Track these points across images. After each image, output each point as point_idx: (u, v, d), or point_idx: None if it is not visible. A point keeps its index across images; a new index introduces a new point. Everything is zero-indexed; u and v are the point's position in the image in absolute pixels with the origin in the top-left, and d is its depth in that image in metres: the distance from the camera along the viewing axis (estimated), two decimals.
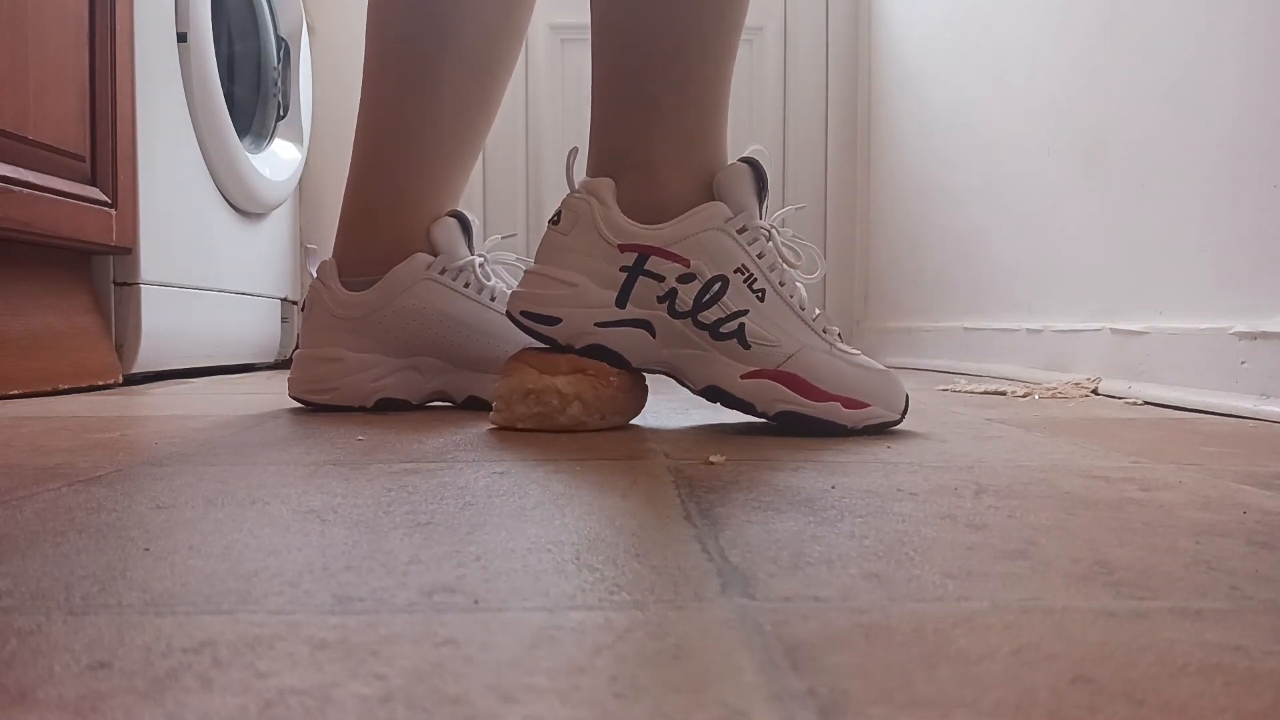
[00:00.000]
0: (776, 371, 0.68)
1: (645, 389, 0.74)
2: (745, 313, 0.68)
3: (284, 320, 1.77)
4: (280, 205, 1.70)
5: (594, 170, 0.74)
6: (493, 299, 0.86)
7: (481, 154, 0.92)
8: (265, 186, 1.58)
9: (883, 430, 0.69)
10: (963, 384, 1.22)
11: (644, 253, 0.70)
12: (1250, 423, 0.80)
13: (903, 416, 0.70)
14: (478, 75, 0.89)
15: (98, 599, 0.28)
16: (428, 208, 0.88)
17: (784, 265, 0.70)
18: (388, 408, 0.86)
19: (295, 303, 1.84)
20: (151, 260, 1.27)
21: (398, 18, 0.87)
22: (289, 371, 0.83)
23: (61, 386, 1.08)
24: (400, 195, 0.87)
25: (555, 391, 0.68)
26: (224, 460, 0.55)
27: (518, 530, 0.37)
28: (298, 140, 1.73)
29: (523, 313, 0.72)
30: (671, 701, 0.21)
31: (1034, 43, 1.34)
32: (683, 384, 0.72)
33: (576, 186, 0.73)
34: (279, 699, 0.21)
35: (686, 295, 0.69)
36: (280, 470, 0.51)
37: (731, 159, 0.72)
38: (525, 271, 0.74)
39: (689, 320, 0.69)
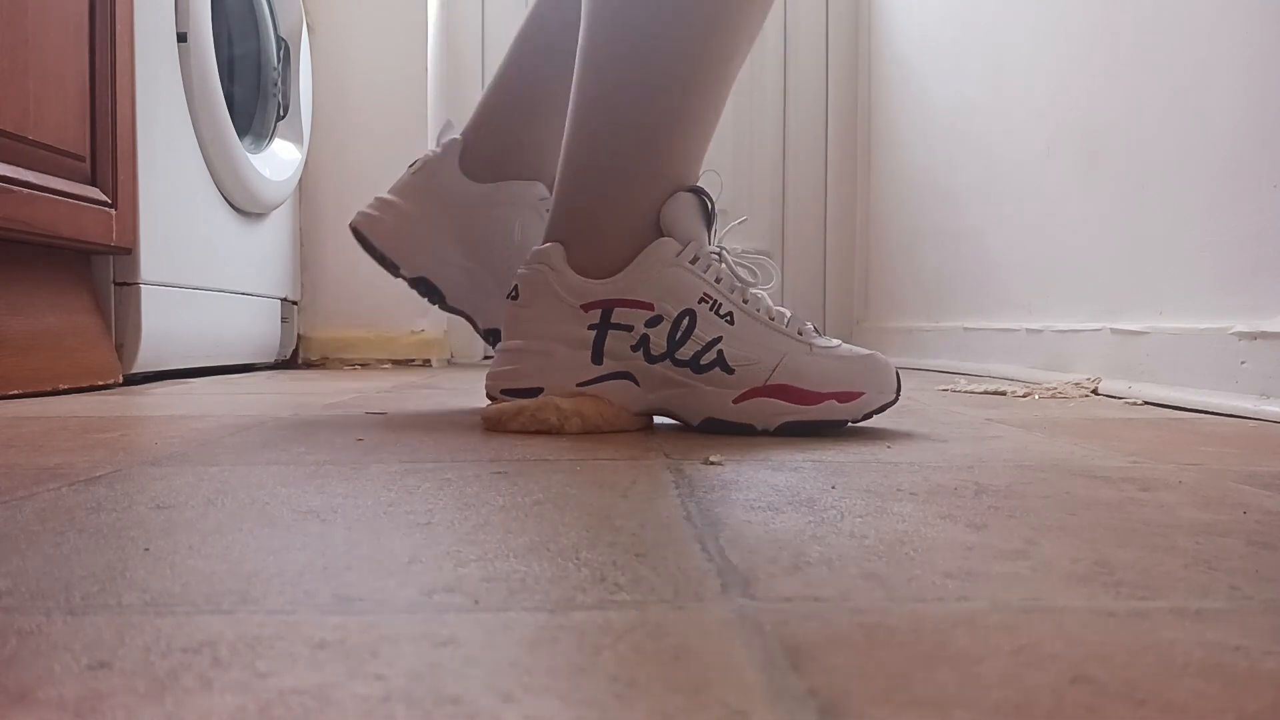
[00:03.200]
0: (766, 386, 0.68)
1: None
2: (719, 340, 0.69)
3: (284, 320, 1.77)
4: (280, 205, 1.70)
5: (546, 237, 0.74)
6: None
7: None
8: (265, 186, 1.58)
9: (883, 411, 0.70)
10: (963, 384, 1.22)
11: (607, 307, 0.70)
12: (1250, 423, 0.80)
13: (898, 395, 0.71)
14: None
15: (98, 599, 0.28)
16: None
17: (741, 283, 0.71)
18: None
19: (295, 303, 1.84)
20: (151, 260, 1.27)
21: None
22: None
23: (61, 386, 1.08)
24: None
25: (554, 408, 0.68)
26: (224, 460, 0.55)
27: (518, 530, 0.37)
28: (298, 140, 1.73)
29: (503, 390, 0.72)
30: (671, 701, 0.21)
31: (1034, 43, 1.34)
32: (679, 421, 0.72)
33: (529, 258, 0.74)
34: (279, 699, 0.21)
35: (658, 338, 0.69)
36: (280, 470, 0.51)
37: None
38: (497, 350, 0.75)
39: (667, 361, 0.69)
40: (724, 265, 0.71)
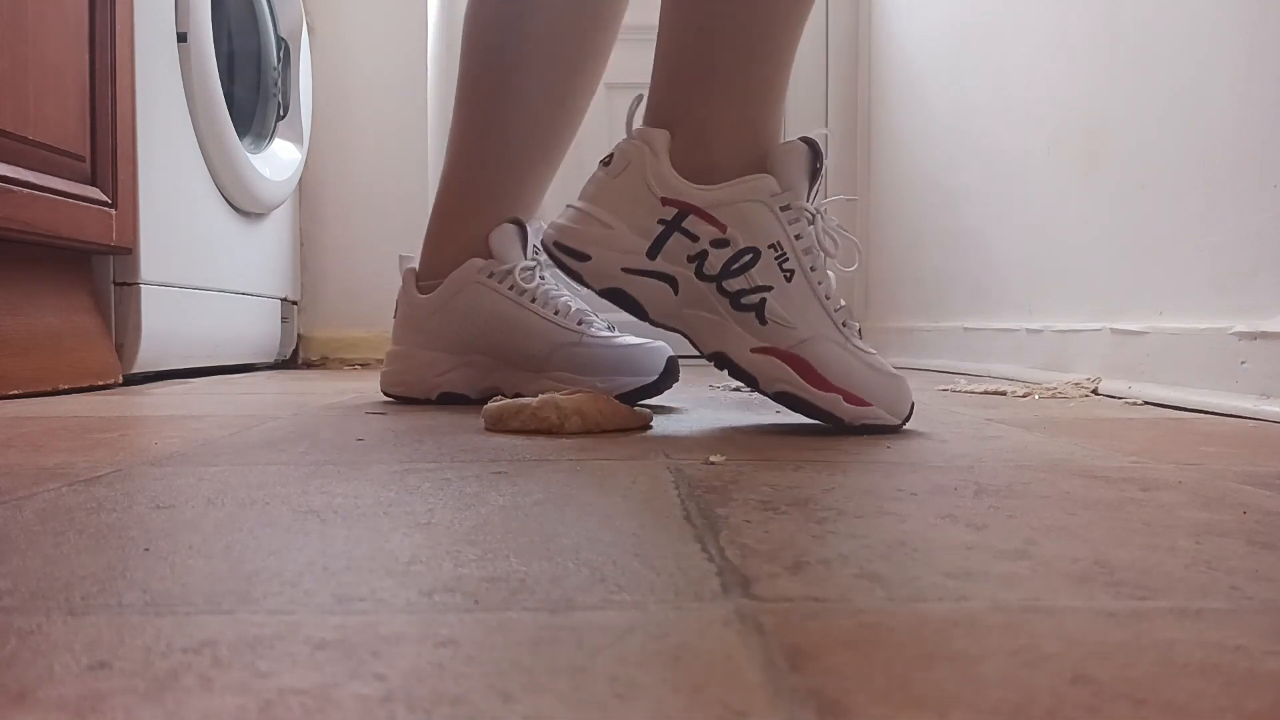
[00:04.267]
0: (786, 352, 0.68)
1: (648, 413, 0.74)
2: (770, 289, 0.69)
3: (284, 320, 1.77)
4: (280, 205, 1.70)
5: (651, 121, 0.74)
6: (533, 300, 0.90)
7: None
8: (265, 186, 1.58)
9: (880, 432, 0.70)
10: (963, 384, 1.22)
11: (684, 210, 0.70)
12: (1250, 423, 0.80)
13: (904, 423, 0.70)
14: (558, 94, 0.94)
15: (98, 599, 0.28)
16: (496, 218, 0.92)
17: (820, 251, 0.70)
18: (449, 401, 0.92)
19: (295, 303, 1.84)
20: (151, 260, 1.27)
21: (488, 28, 0.93)
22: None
23: (61, 386, 1.08)
24: (473, 206, 0.92)
25: (554, 406, 0.68)
26: (224, 460, 0.55)
27: (517, 530, 0.37)
28: (298, 140, 1.73)
29: (555, 244, 0.73)
30: (671, 701, 0.21)
31: (1034, 43, 1.34)
32: (694, 345, 0.73)
33: (633, 133, 0.74)
34: (279, 699, 0.21)
35: (716, 260, 0.69)
36: (280, 470, 0.51)
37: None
38: (568, 206, 0.75)
39: (714, 285, 0.70)
40: (811, 227, 0.71)
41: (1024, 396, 1.03)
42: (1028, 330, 1.32)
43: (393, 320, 0.97)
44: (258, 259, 1.64)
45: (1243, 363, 0.88)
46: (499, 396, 0.74)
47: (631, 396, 0.85)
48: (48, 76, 1.06)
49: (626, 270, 0.72)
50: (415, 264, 0.97)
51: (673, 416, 0.80)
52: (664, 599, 0.28)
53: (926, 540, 0.35)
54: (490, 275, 0.90)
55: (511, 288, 0.89)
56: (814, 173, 0.71)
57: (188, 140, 1.38)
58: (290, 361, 1.82)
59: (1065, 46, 1.25)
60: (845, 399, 0.68)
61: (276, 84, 1.68)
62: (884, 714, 0.20)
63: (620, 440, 0.64)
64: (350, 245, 1.90)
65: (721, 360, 0.70)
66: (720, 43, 0.71)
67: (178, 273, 1.34)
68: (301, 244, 1.89)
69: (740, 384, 1.16)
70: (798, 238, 0.69)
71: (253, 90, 1.65)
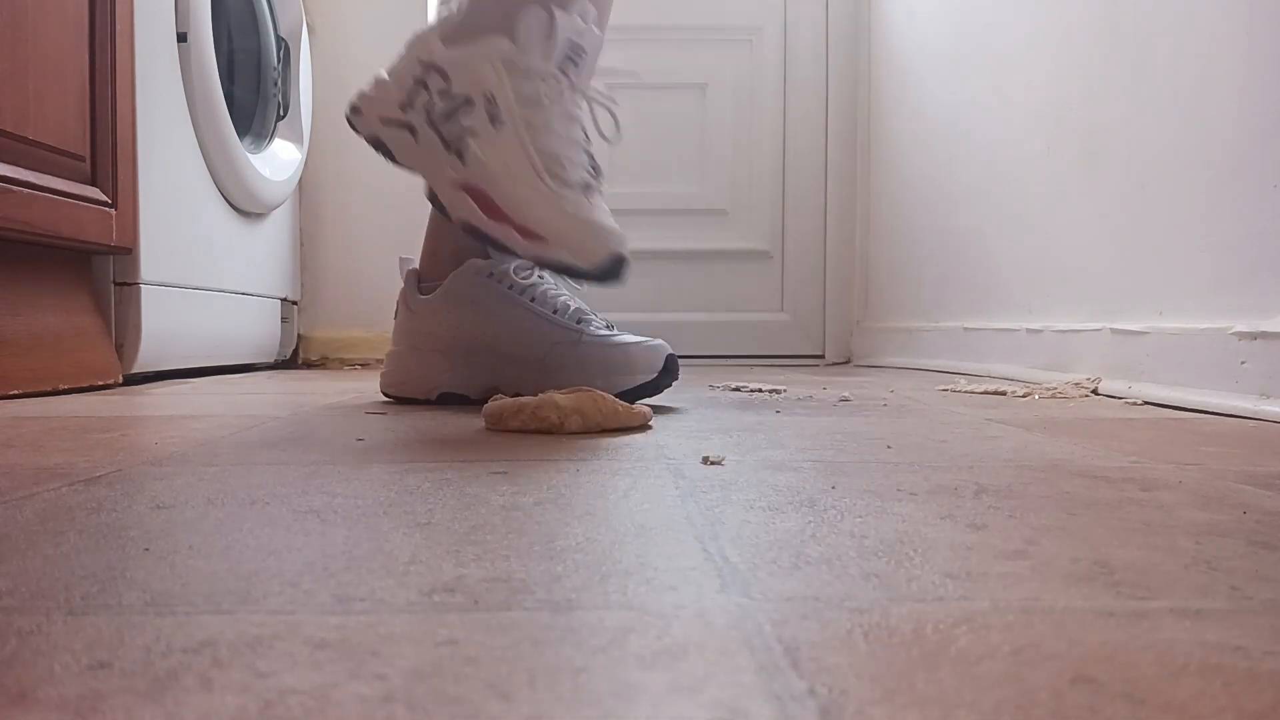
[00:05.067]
0: (473, 186, 0.77)
1: (647, 412, 0.74)
2: (475, 132, 0.77)
3: (284, 320, 1.77)
4: (280, 205, 1.70)
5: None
6: (532, 299, 0.91)
7: None
8: (265, 186, 1.58)
9: (573, 276, 0.76)
10: (963, 384, 1.22)
11: (428, 67, 0.81)
12: (1250, 423, 0.80)
13: (600, 274, 0.75)
14: None
15: (98, 599, 0.28)
16: None
17: (551, 108, 0.77)
18: (449, 401, 0.93)
19: (295, 303, 1.84)
20: (151, 260, 1.27)
21: None
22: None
23: (61, 386, 1.08)
24: None
25: (554, 405, 0.68)
26: (224, 460, 0.55)
27: (517, 530, 0.37)
28: (298, 140, 1.73)
29: (350, 104, 0.86)
30: (672, 701, 0.21)
31: (1034, 43, 1.34)
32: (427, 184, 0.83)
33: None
34: (279, 699, 0.21)
35: (438, 106, 0.79)
36: (280, 470, 0.51)
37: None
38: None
39: (435, 129, 0.79)
40: (543, 86, 0.77)
41: (1024, 396, 1.03)
42: (1028, 330, 1.32)
43: (393, 321, 0.97)
44: (258, 259, 1.64)
45: (1243, 363, 0.88)
46: (499, 396, 0.74)
47: (630, 395, 0.85)
48: (48, 76, 1.06)
49: (382, 119, 0.83)
50: (416, 265, 0.97)
51: (672, 416, 0.80)
52: (664, 599, 0.28)
53: (926, 540, 0.35)
54: (490, 275, 0.90)
55: (510, 286, 0.90)
56: (554, 38, 0.77)
57: (188, 140, 1.38)
58: (290, 361, 1.82)
59: (1065, 46, 1.25)
60: (518, 231, 0.74)
61: (276, 84, 1.68)
62: (884, 714, 0.20)
63: (620, 440, 0.64)
64: (350, 245, 1.90)
65: (432, 196, 0.80)
66: None
67: (178, 273, 1.34)
68: (301, 244, 1.89)
69: (740, 384, 1.17)
70: (517, 92, 0.76)
71: (253, 90, 1.65)
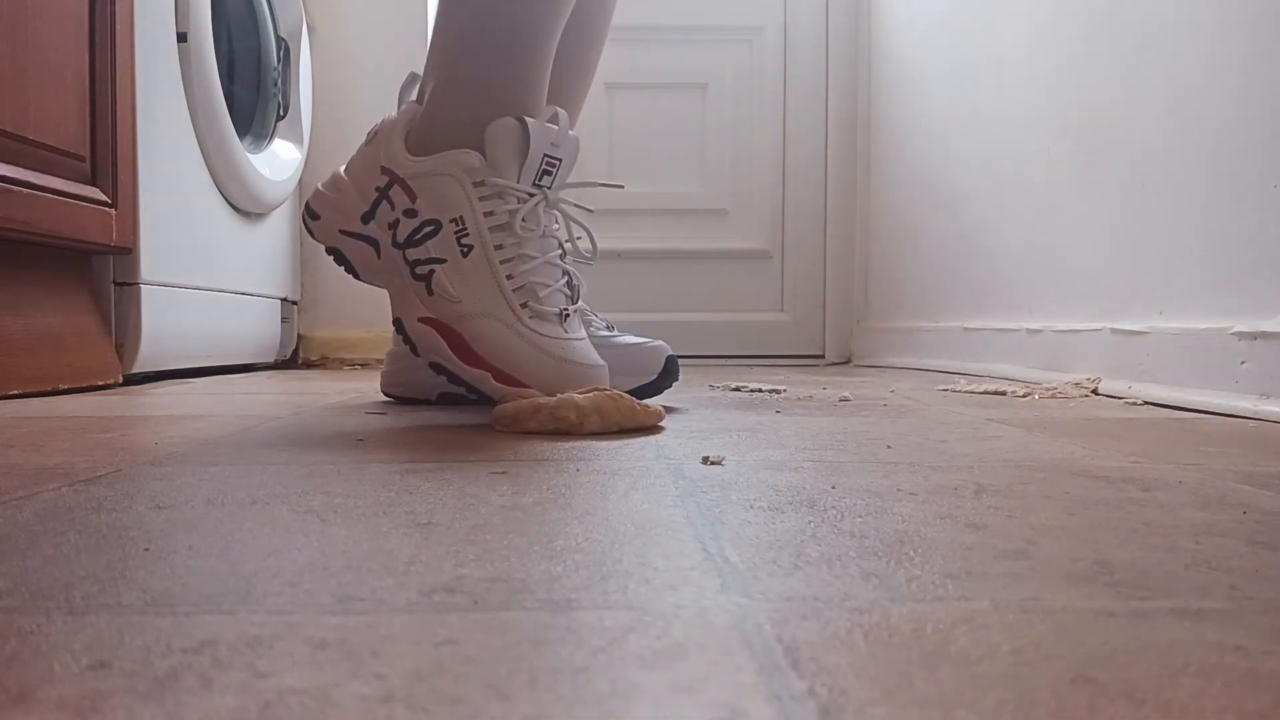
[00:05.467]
0: (443, 324, 0.72)
1: (662, 411, 0.74)
2: (442, 261, 0.72)
3: (284, 320, 1.77)
4: (280, 205, 1.70)
5: (418, 99, 0.79)
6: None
7: None
8: (265, 186, 1.58)
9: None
10: (963, 384, 1.22)
11: (392, 179, 0.75)
12: (1250, 423, 0.80)
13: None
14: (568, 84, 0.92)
15: (98, 599, 0.28)
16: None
17: (520, 231, 0.72)
18: (449, 401, 0.92)
19: (295, 303, 1.84)
20: (151, 260, 1.27)
21: None
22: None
23: (61, 386, 1.08)
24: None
25: (572, 405, 0.68)
26: (224, 460, 0.55)
27: (517, 530, 0.37)
28: (298, 140, 1.73)
29: (306, 205, 0.81)
30: (672, 701, 0.21)
31: (1034, 42, 1.34)
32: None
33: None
34: (279, 699, 0.21)
35: (404, 228, 0.74)
36: (280, 470, 0.51)
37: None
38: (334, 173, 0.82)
39: (401, 252, 0.74)
40: (519, 206, 0.72)
41: (1024, 396, 1.03)
42: (1028, 330, 1.32)
43: (393, 321, 0.97)
44: (258, 259, 1.64)
45: (1243, 363, 0.88)
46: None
47: (631, 396, 0.85)
48: (48, 76, 1.06)
49: (343, 231, 0.77)
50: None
51: (672, 416, 0.80)
52: (664, 599, 0.28)
53: (926, 540, 0.35)
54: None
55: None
56: (526, 151, 0.72)
57: (188, 140, 1.38)
58: (290, 361, 1.82)
59: (1065, 45, 1.25)
60: (494, 376, 0.70)
61: (276, 84, 1.68)
62: (884, 714, 0.20)
63: (621, 440, 0.64)
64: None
65: (397, 325, 0.75)
66: (441, 33, 0.76)
67: (178, 273, 1.34)
68: (301, 244, 1.89)
69: (740, 384, 1.17)
70: (488, 214, 0.71)
71: (253, 90, 1.65)
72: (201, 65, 1.36)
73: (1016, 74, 1.40)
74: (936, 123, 1.71)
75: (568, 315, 0.72)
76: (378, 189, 0.75)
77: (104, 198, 1.16)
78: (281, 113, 1.70)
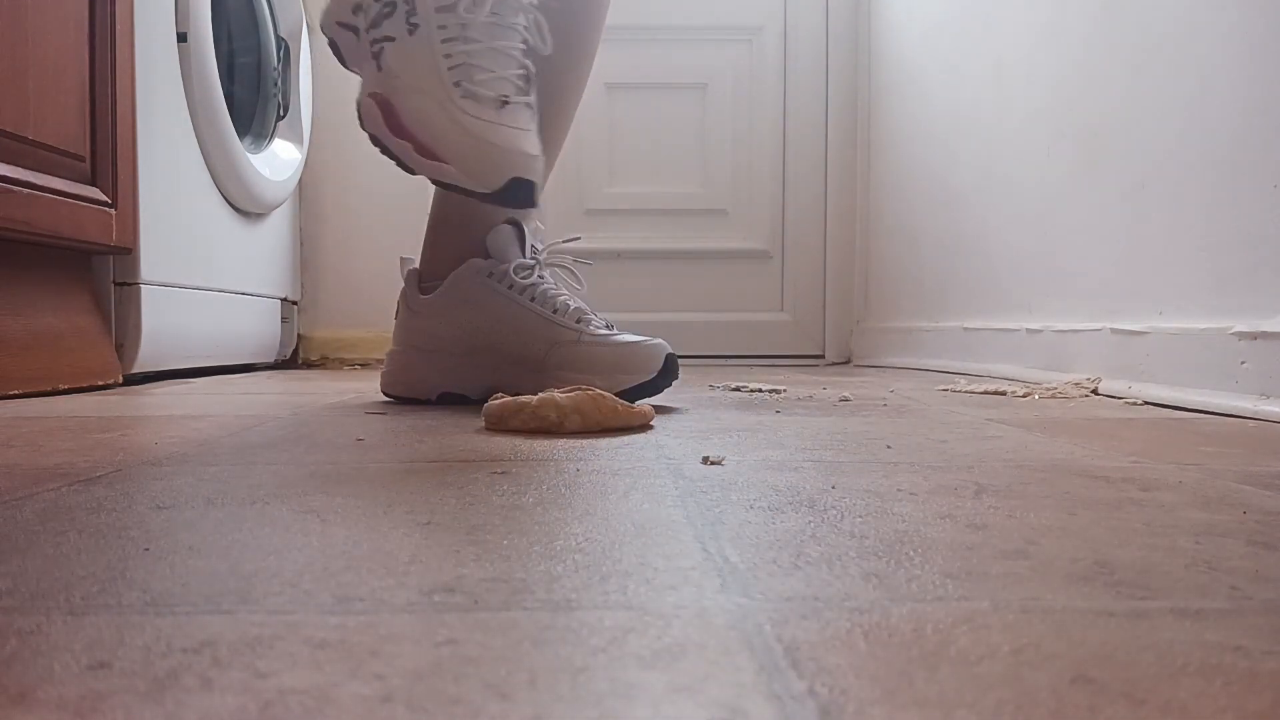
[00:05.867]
0: (382, 97, 0.75)
1: (650, 411, 0.74)
2: (392, 39, 0.75)
3: (284, 320, 1.77)
4: (280, 205, 1.70)
5: None
6: (532, 299, 0.90)
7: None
8: (265, 186, 1.58)
9: (471, 197, 0.75)
10: (963, 384, 1.22)
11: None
12: (1250, 423, 0.80)
13: (497, 199, 0.74)
14: (549, 91, 0.94)
15: (98, 599, 0.28)
16: (495, 218, 0.93)
17: (465, 15, 0.74)
18: (449, 401, 0.93)
19: (295, 303, 1.84)
20: (151, 260, 1.27)
21: None
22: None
23: (61, 386, 1.08)
24: (472, 207, 0.92)
25: (553, 404, 0.68)
26: (224, 460, 0.55)
27: (517, 530, 0.37)
28: (298, 140, 1.73)
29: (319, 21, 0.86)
30: (672, 701, 0.21)
31: (1034, 42, 1.34)
32: None
33: None
34: (279, 699, 0.21)
35: (370, 10, 0.78)
36: (280, 470, 0.51)
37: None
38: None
39: (368, 35, 0.78)
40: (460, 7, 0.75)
41: (1024, 396, 1.03)
42: (1028, 330, 1.32)
43: (393, 321, 0.97)
44: (258, 259, 1.64)
45: (1243, 363, 0.88)
46: (499, 396, 0.74)
47: (630, 395, 0.85)
48: (48, 76, 1.06)
49: (338, 22, 0.82)
50: (416, 264, 0.97)
51: (672, 416, 0.80)
52: (664, 599, 0.28)
53: (926, 540, 0.35)
54: (490, 275, 0.90)
55: (510, 286, 0.90)
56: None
57: (188, 140, 1.38)
58: (290, 361, 1.82)
59: (1065, 45, 1.25)
60: (415, 148, 0.72)
61: (276, 84, 1.68)
62: (884, 714, 0.20)
63: (620, 440, 0.64)
64: (350, 245, 1.90)
65: (358, 105, 0.78)
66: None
67: (178, 273, 1.34)
68: (301, 244, 1.89)
69: (740, 384, 1.17)
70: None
71: (253, 90, 1.65)
72: (201, 65, 1.36)
73: (1016, 74, 1.40)
74: (936, 123, 1.71)
75: (507, 102, 0.74)
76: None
77: (104, 198, 1.16)
78: (281, 113, 1.70)
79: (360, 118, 0.79)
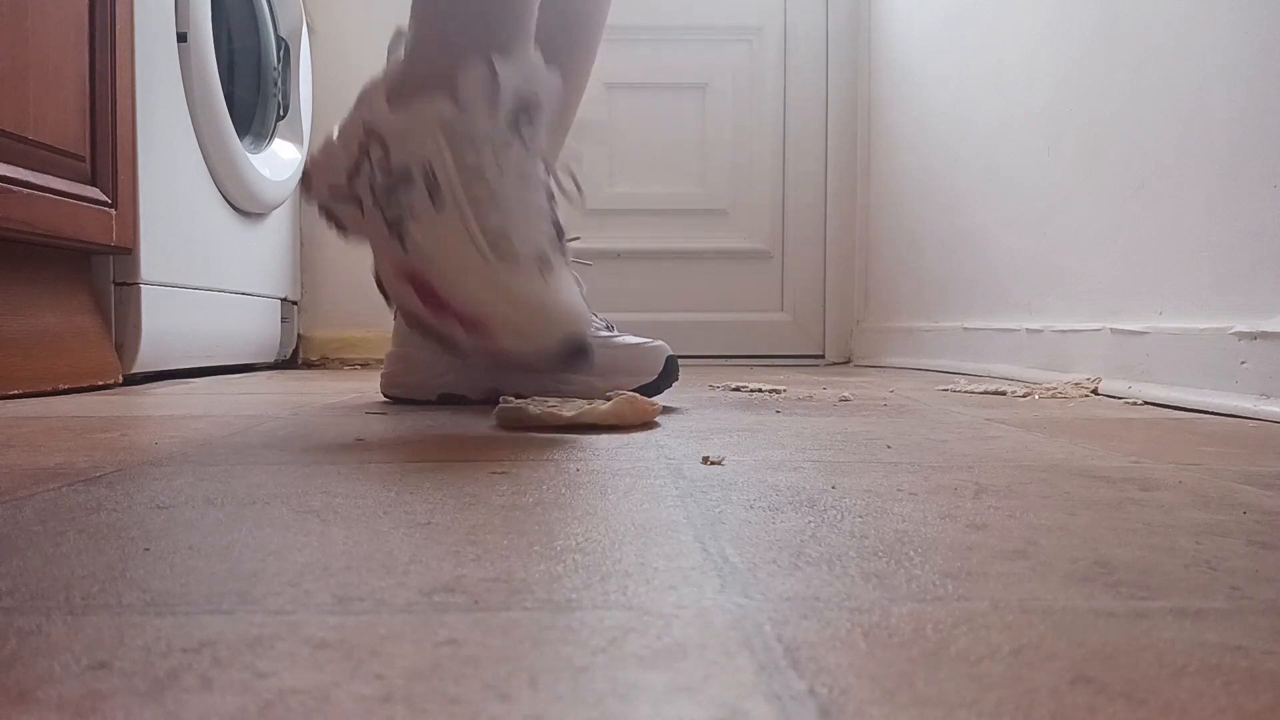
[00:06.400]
0: (416, 276, 0.68)
1: (655, 408, 0.74)
2: (415, 213, 0.69)
3: (284, 320, 1.77)
4: (280, 205, 1.70)
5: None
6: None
7: None
8: (265, 186, 1.58)
9: (527, 368, 0.70)
10: (963, 384, 1.22)
11: (369, 134, 0.73)
12: (1250, 423, 0.80)
13: (555, 362, 0.68)
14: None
15: (98, 599, 0.28)
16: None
17: (493, 180, 0.69)
18: (449, 401, 0.92)
19: (295, 303, 1.84)
20: (151, 260, 1.27)
21: None
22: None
23: (61, 386, 1.08)
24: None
25: (595, 414, 0.70)
26: (224, 460, 0.55)
27: (518, 530, 0.37)
28: (298, 140, 1.73)
29: (302, 173, 0.80)
30: (672, 701, 0.21)
31: (1034, 42, 1.34)
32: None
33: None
34: (279, 699, 0.21)
35: (381, 182, 0.71)
36: (280, 470, 0.51)
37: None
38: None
39: (379, 207, 0.71)
40: (491, 152, 0.69)
41: (1024, 396, 1.03)
42: (1028, 330, 1.32)
43: (393, 321, 0.97)
44: (258, 259, 1.64)
45: (1243, 363, 0.88)
46: (507, 398, 0.75)
47: None
48: (48, 76, 1.06)
49: (331, 191, 0.76)
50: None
51: (672, 416, 0.80)
52: (664, 599, 0.28)
53: (926, 540, 0.35)
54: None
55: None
56: (498, 92, 0.69)
57: (188, 140, 1.38)
58: (290, 361, 1.82)
59: (1065, 45, 1.25)
60: (461, 323, 0.66)
61: (276, 84, 1.68)
62: (884, 714, 0.20)
63: (620, 440, 0.64)
64: (350, 245, 1.90)
65: (377, 280, 0.73)
66: None
67: (178, 273, 1.34)
68: (301, 244, 1.89)
69: (740, 384, 1.17)
70: (460, 162, 0.68)
71: (253, 90, 1.65)
72: (201, 65, 1.36)
73: (1017, 74, 1.40)
74: (937, 122, 1.71)
75: (546, 262, 0.69)
76: (360, 143, 0.74)
77: (104, 198, 1.16)
78: (281, 113, 1.70)
79: (387, 297, 0.73)
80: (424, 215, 0.68)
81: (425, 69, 0.73)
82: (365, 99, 0.76)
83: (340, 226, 0.78)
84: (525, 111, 0.71)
